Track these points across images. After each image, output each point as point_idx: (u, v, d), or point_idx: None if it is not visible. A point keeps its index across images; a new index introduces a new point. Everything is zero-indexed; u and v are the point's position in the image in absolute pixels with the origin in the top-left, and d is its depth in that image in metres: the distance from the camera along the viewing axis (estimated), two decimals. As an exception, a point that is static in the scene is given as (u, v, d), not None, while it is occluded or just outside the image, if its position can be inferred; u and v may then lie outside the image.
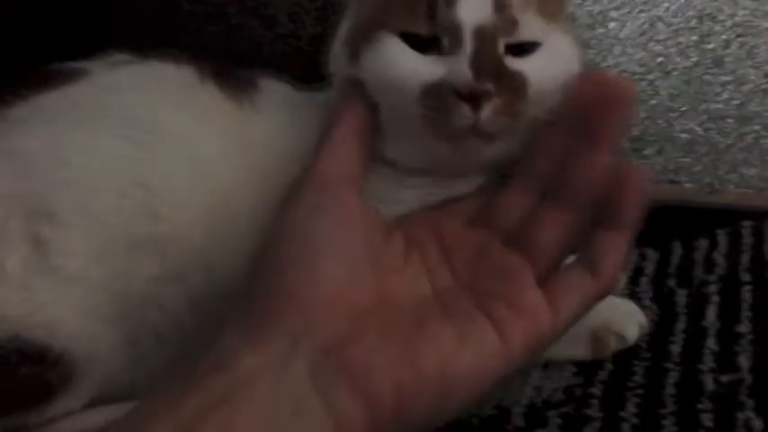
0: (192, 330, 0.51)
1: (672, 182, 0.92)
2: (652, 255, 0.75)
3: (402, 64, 0.50)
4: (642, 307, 0.66)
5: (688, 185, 0.92)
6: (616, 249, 0.44)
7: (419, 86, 0.49)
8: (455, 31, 0.49)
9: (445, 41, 0.50)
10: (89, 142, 0.51)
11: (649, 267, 0.73)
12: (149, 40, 1.06)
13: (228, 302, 0.51)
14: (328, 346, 0.36)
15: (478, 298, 0.42)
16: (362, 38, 0.52)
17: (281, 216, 0.44)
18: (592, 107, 0.44)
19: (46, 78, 0.58)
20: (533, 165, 0.48)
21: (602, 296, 0.47)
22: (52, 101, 0.55)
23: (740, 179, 0.90)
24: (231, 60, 1.05)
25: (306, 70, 1.03)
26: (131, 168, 0.51)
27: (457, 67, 0.48)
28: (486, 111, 0.47)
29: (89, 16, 1.06)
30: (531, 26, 0.51)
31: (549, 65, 0.51)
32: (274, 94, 0.63)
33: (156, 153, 0.53)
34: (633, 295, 0.68)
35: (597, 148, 0.44)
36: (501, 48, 0.50)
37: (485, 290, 0.43)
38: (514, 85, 0.49)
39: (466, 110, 0.47)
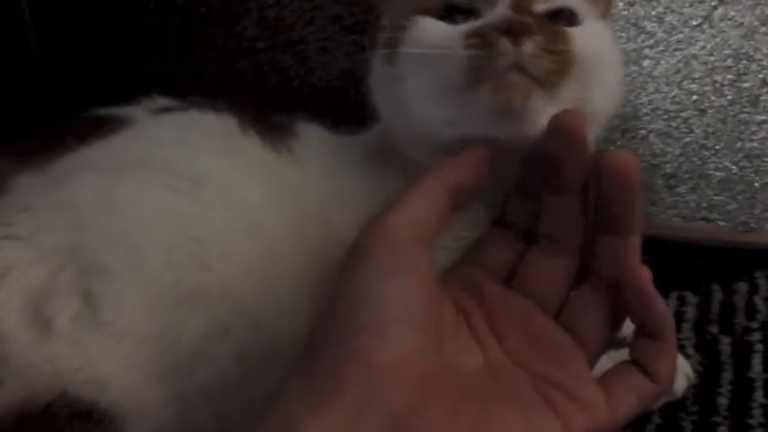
0: (237, 386, 0.51)
1: (706, 220, 0.91)
2: (691, 299, 0.74)
3: (437, 29, 0.49)
4: (686, 356, 0.65)
5: (722, 224, 0.91)
6: (669, 354, 0.43)
7: (459, 35, 0.47)
8: None
9: (482, 6, 0.49)
10: (138, 195, 0.51)
11: (690, 313, 0.72)
12: (181, 74, 1.09)
13: (274, 359, 0.51)
14: (397, 417, 0.35)
15: (536, 381, 0.41)
16: (397, 32, 0.51)
17: (349, 273, 0.41)
18: (610, 197, 0.42)
19: (91, 127, 0.59)
20: (555, 229, 0.46)
21: (659, 397, 0.46)
22: (100, 152, 0.55)
23: (776, 218, 0.89)
24: (261, 94, 1.07)
25: (337, 104, 1.05)
26: (180, 220, 0.51)
27: (495, 13, 0.47)
28: (529, 45, 0.45)
29: (122, 49, 1.07)
30: None
31: (592, 39, 0.49)
32: (312, 139, 0.63)
33: (203, 205, 0.53)
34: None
35: (625, 234, 0.42)
36: (539, 9, 0.49)
37: (541, 373, 0.42)
38: (556, 31, 0.47)
39: (507, 44, 0.45)
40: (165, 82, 1.08)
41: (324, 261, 0.55)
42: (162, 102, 0.65)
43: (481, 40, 0.46)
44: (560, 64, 0.46)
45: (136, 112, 0.62)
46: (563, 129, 0.43)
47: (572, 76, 0.47)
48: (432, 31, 0.49)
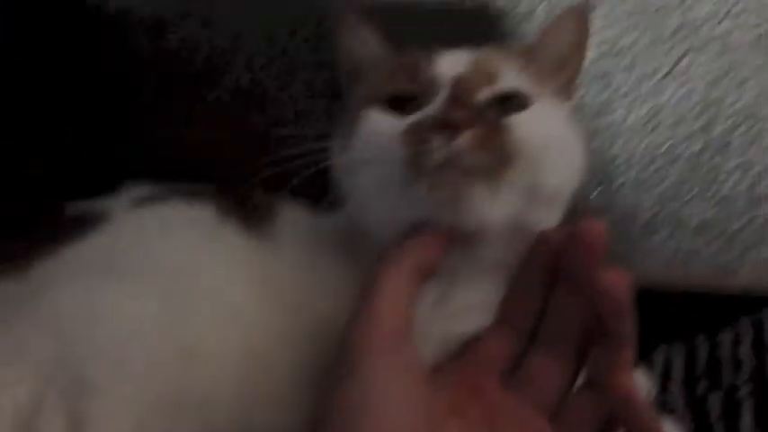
0: None
1: (685, 266, 0.92)
2: (678, 353, 0.75)
3: (382, 123, 0.51)
4: (675, 416, 0.65)
5: (701, 269, 0.92)
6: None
7: (398, 133, 0.48)
8: (434, 82, 0.51)
9: (427, 95, 0.50)
10: (120, 303, 0.51)
11: (677, 370, 0.72)
12: (152, 145, 1.09)
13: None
14: None
15: None
16: (352, 121, 0.53)
17: (341, 382, 0.41)
18: (602, 313, 0.43)
19: (70, 224, 0.58)
20: (557, 330, 0.47)
21: None
22: (81, 254, 0.54)
23: (755, 260, 0.90)
24: (238, 163, 1.07)
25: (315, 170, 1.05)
26: (164, 328, 0.50)
27: (431, 106, 0.49)
28: (462, 139, 0.45)
29: (90, 122, 1.06)
30: (513, 79, 0.52)
31: (538, 123, 0.50)
32: (291, 222, 0.62)
33: (188, 308, 0.52)
34: (664, 405, 0.67)
35: (616, 349, 0.43)
36: (480, 96, 0.50)
37: None
38: (493, 126, 0.48)
39: (440, 139, 0.46)
40: (137, 154, 1.08)
41: (315, 351, 0.54)
42: (140, 190, 0.64)
43: (416, 138, 0.47)
44: (496, 158, 0.47)
45: (114, 204, 0.61)
46: (582, 239, 0.44)
47: (516, 166, 0.47)
48: (377, 125, 0.51)
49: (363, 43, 0.59)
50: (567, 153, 0.52)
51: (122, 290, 0.52)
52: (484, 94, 0.50)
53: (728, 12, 0.86)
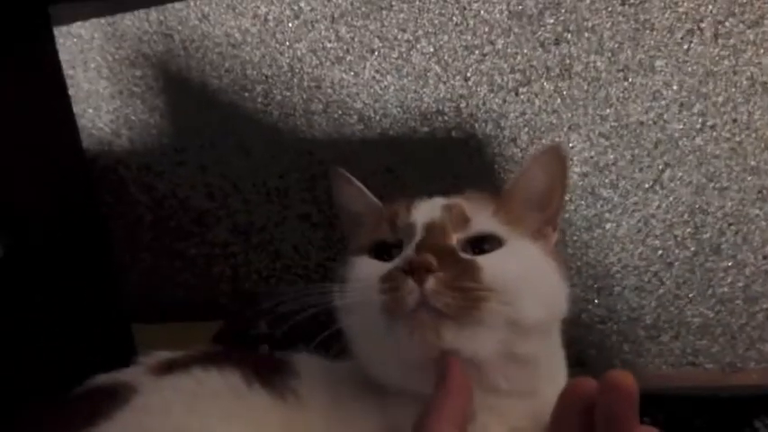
0: None
1: (693, 365, 0.94)
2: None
3: (366, 269, 0.53)
4: None
5: (709, 366, 0.94)
6: None
7: (377, 278, 0.50)
8: (410, 229, 0.53)
9: (404, 241, 0.53)
10: None
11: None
12: (157, 286, 1.10)
13: None
14: None
15: None
16: (344, 270, 0.55)
17: None
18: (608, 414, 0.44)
19: (94, 403, 0.58)
20: None
21: None
22: None
23: (759, 355, 0.92)
24: (240, 294, 1.09)
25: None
26: None
27: (405, 253, 0.51)
28: (430, 283, 0.48)
29: (94, 270, 1.07)
30: (485, 223, 0.54)
31: (509, 261, 0.52)
32: (311, 376, 0.63)
33: None
34: None
35: None
36: (453, 240, 0.52)
37: None
38: (463, 266, 0.50)
39: (410, 283, 0.48)
40: (141, 295, 1.09)
41: None
42: (160, 356, 0.65)
43: (390, 284, 0.49)
44: (466, 297, 0.49)
45: (137, 376, 0.61)
46: (617, 390, 0.45)
47: (486, 305, 0.49)
48: (361, 271, 0.53)
49: (354, 199, 0.62)
50: (542, 286, 0.54)
51: None
52: (456, 236, 0.53)
53: (703, 126, 0.91)
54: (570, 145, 0.93)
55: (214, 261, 1.09)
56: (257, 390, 0.60)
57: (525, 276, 0.52)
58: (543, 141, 0.94)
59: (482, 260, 0.51)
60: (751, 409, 0.83)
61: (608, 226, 0.94)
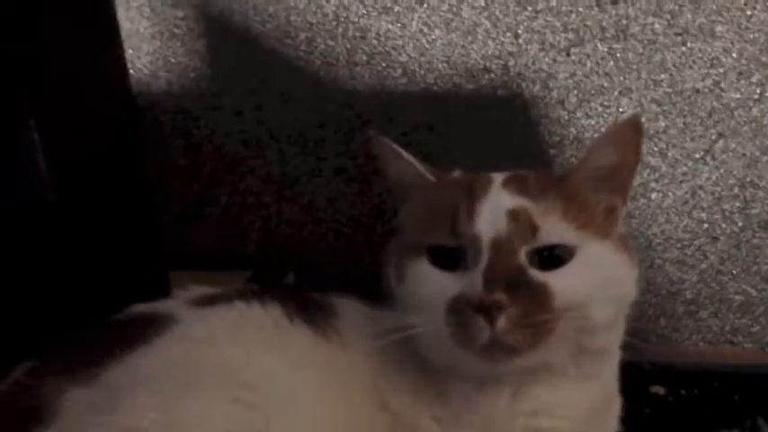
0: None
1: (731, 343, 0.92)
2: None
3: (430, 284, 0.53)
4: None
5: (748, 346, 0.91)
6: None
7: (444, 304, 0.50)
8: (475, 243, 0.51)
9: (469, 254, 0.52)
10: (201, 413, 0.49)
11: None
12: (187, 233, 1.09)
13: None
14: None
15: None
16: (403, 261, 0.55)
17: None
18: None
19: (134, 329, 0.57)
20: None
21: None
22: (149, 360, 0.53)
23: (801, 337, 0.90)
24: (269, 246, 1.07)
25: (347, 253, 1.05)
26: None
27: (472, 280, 0.50)
28: (502, 322, 0.48)
29: (126, 213, 1.06)
30: (555, 231, 0.52)
31: (582, 278, 0.51)
32: (353, 319, 0.62)
33: (265, 415, 0.51)
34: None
35: None
36: (521, 257, 0.51)
37: None
38: (534, 296, 0.49)
39: (481, 322, 0.48)
40: (172, 240, 1.08)
41: None
42: (198, 291, 0.64)
43: (460, 319, 0.49)
44: (538, 331, 0.49)
45: (177, 306, 0.60)
46: None
47: (558, 330, 0.49)
48: (423, 282, 0.53)
49: (403, 170, 0.59)
50: (614, 291, 0.53)
51: (201, 401, 0.50)
52: (524, 249, 0.51)
53: (761, 96, 0.88)
54: (620, 110, 0.91)
55: (245, 211, 1.07)
56: (300, 325, 0.59)
57: (597, 287, 0.51)
58: (592, 105, 0.91)
59: (553, 281, 0.50)
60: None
61: (654, 196, 0.92)
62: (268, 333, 0.57)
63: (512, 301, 0.48)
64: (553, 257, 0.51)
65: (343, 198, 1.04)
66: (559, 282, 0.50)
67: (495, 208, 0.52)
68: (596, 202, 0.55)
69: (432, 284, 0.52)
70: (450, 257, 0.53)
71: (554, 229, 0.52)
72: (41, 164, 0.92)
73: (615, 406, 0.62)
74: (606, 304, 0.52)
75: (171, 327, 0.57)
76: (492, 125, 0.95)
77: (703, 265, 0.92)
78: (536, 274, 0.50)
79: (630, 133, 0.55)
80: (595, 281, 0.51)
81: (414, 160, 0.58)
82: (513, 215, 0.52)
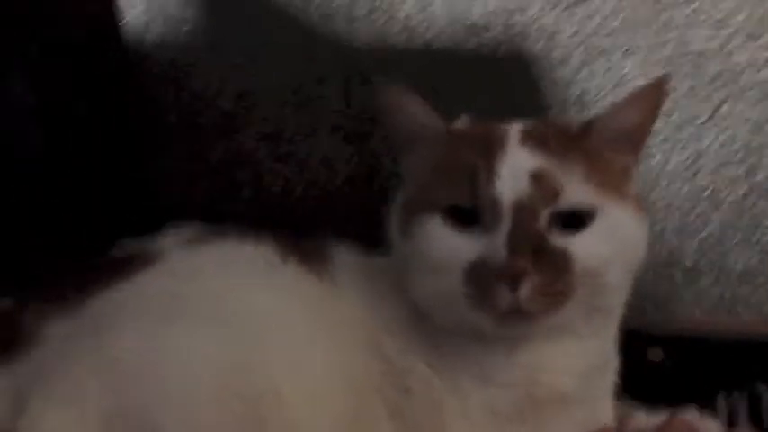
0: None
1: (730, 312, 0.90)
2: (740, 400, 0.72)
3: (444, 245, 0.52)
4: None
5: (747, 316, 0.90)
6: None
7: (461, 268, 0.50)
8: (494, 205, 0.50)
9: (487, 216, 0.50)
10: (184, 343, 0.48)
11: (742, 417, 0.69)
12: (177, 188, 1.06)
13: None
14: None
15: None
16: (410, 218, 0.54)
17: None
18: None
19: (122, 264, 0.55)
20: None
21: None
22: (136, 293, 0.52)
23: (801, 308, 0.88)
24: (261, 206, 1.05)
25: (341, 214, 1.03)
26: (231, 371, 0.48)
27: (494, 246, 0.49)
28: (525, 290, 0.47)
29: (116, 166, 1.04)
30: (577, 193, 0.51)
31: (602, 242, 0.51)
32: (347, 263, 0.61)
33: (254, 350, 0.49)
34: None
35: None
36: (543, 220, 0.50)
37: None
38: (557, 263, 0.49)
39: (504, 290, 0.48)
40: (161, 196, 1.05)
41: (383, 395, 0.54)
42: (191, 230, 0.62)
43: (479, 284, 0.49)
44: (560, 298, 0.49)
45: (167, 243, 0.59)
46: None
47: (578, 295, 0.50)
48: (436, 240, 0.52)
49: (411, 116, 0.57)
50: (630, 255, 0.53)
51: (186, 332, 0.49)
52: (546, 214, 0.50)
53: (769, 58, 0.86)
54: (624, 71, 0.89)
55: (237, 168, 1.05)
56: (293, 265, 0.57)
57: (616, 250, 0.51)
58: (596, 65, 0.89)
59: (574, 247, 0.50)
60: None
61: (655, 160, 0.89)
62: (259, 271, 0.56)
63: (535, 268, 0.47)
64: (574, 220, 0.51)
65: (338, 158, 1.02)
66: (580, 246, 0.50)
67: (516, 169, 0.51)
68: (614, 162, 0.55)
69: (446, 245, 0.51)
70: (465, 217, 0.52)
71: (576, 191, 0.51)
72: (28, 115, 0.90)
73: (614, 362, 0.61)
74: (622, 266, 0.52)
75: (159, 262, 0.55)
76: (493, 83, 0.92)
77: (704, 233, 0.90)
78: (557, 239, 0.50)
79: (657, 94, 0.56)
80: (615, 244, 0.51)
81: (423, 108, 0.56)
82: (536, 177, 0.50)
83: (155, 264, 0.54)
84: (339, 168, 1.02)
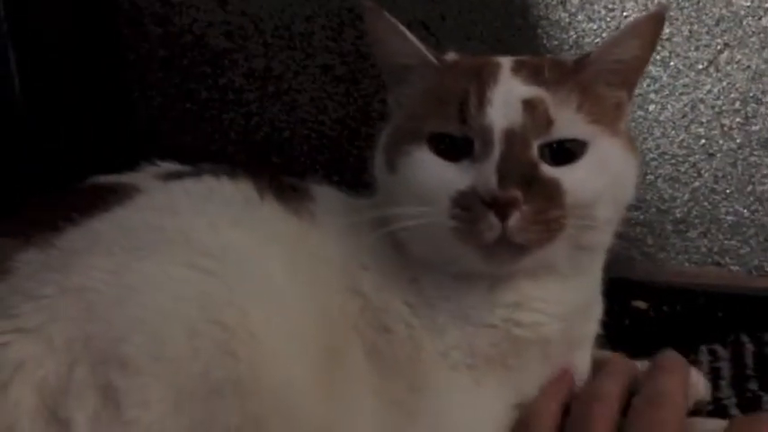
0: None
1: (718, 265, 0.89)
2: (723, 353, 0.71)
3: (432, 174, 0.50)
4: (729, 416, 0.62)
5: (735, 269, 0.89)
6: None
7: (448, 197, 0.49)
8: (485, 133, 0.49)
9: (477, 144, 0.49)
10: (155, 276, 0.46)
11: (725, 369, 0.69)
12: (164, 127, 1.04)
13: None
14: None
15: None
16: (398, 149, 0.53)
17: None
18: None
19: (94, 197, 0.54)
20: None
21: None
22: (108, 225, 0.50)
23: (790, 261, 0.87)
24: (249, 146, 1.03)
25: (330, 155, 1.01)
26: (202, 304, 0.46)
27: (483, 174, 0.48)
28: (514, 220, 0.46)
29: (103, 103, 1.02)
30: (569, 125, 0.50)
31: (593, 175, 0.50)
32: (328, 202, 0.60)
33: (225, 284, 0.48)
34: (717, 402, 0.64)
35: None
36: (534, 150, 0.49)
37: None
38: (547, 193, 0.48)
39: (493, 219, 0.46)
40: (148, 135, 1.03)
41: (360, 333, 0.54)
42: (168, 167, 0.61)
43: (467, 214, 0.48)
44: (549, 228, 0.48)
45: (142, 178, 0.57)
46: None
47: (567, 228, 0.49)
48: (423, 171, 0.51)
49: (399, 48, 0.55)
50: (620, 190, 0.52)
51: (158, 264, 0.47)
52: (537, 144, 0.49)
53: (772, 5, 0.83)
54: (624, 14, 0.86)
55: (226, 107, 1.03)
56: (270, 202, 0.56)
57: (606, 184, 0.50)
58: (595, 7, 0.87)
59: (565, 178, 0.49)
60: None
61: (651, 108, 0.88)
62: (236, 207, 0.54)
63: (525, 198, 0.46)
64: (565, 152, 0.50)
65: (328, 98, 0.99)
66: (571, 178, 0.49)
67: (509, 97, 0.50)
68: (608, 97, 0.54)
69: (433, 175, 0.50)
70: (454, 147, 0.50)
71: (569, 122, 0.50)
72: (11, 54, 0.88)
73: (597, 308, 0.61)
74: (611, 202, 0.51)
75: (133, 196, 0.54)
76: (489, 25, 0.90)
77: (696, 183, 0.88)
78: (548, 170, 0.49)
79: (653, 27, 0.54)
80: (605, 178, 0.50)
81: (413, 38, 0.54)
82: (529, 105, 0.49)
83: (129, 197, 0.53)
84: (329, 109, 1.00)
